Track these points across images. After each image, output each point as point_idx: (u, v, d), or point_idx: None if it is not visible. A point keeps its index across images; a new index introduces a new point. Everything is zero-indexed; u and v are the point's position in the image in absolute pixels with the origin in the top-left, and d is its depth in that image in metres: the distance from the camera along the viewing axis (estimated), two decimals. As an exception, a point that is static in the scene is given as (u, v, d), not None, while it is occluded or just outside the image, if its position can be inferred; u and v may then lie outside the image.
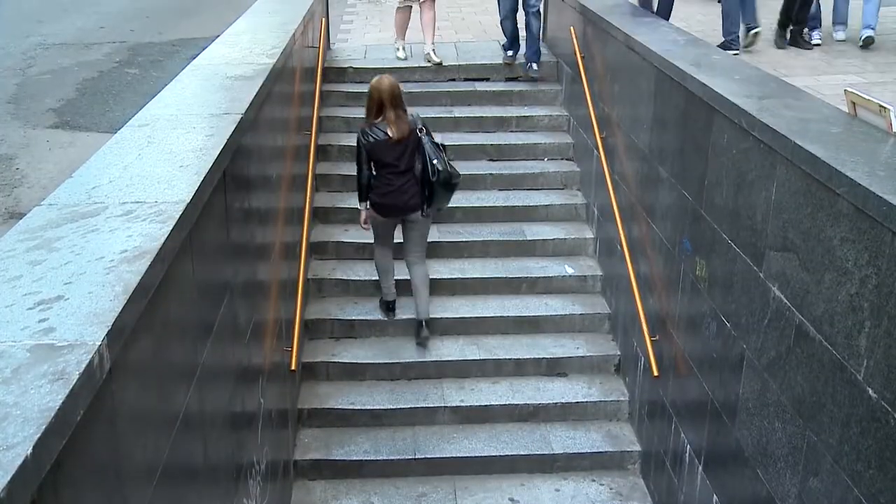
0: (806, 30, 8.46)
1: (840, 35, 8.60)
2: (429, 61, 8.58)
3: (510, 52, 8.62)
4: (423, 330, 6.33)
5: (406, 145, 5.92)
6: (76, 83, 10.98)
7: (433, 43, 8.71)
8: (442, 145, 6.12)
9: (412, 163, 5.97)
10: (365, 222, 6.22)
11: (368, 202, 6.09)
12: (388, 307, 6.56)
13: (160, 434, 2.62)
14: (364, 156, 5.96)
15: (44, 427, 1.63)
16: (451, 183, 6.02)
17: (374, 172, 6.04)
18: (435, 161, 5.91)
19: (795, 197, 3.53)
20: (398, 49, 8.86)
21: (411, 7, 8.71)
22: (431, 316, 6.42)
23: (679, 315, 5.02)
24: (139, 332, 2.32)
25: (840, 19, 8.66)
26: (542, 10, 8.41)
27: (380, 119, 5.89)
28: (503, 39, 8.68)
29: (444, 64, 8.61)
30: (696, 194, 4.68)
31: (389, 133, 5.85)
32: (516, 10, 8.32)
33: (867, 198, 2.96)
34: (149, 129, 3.74)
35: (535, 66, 8.42)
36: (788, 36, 8.38)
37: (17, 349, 1.90)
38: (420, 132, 5.95)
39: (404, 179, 5.97)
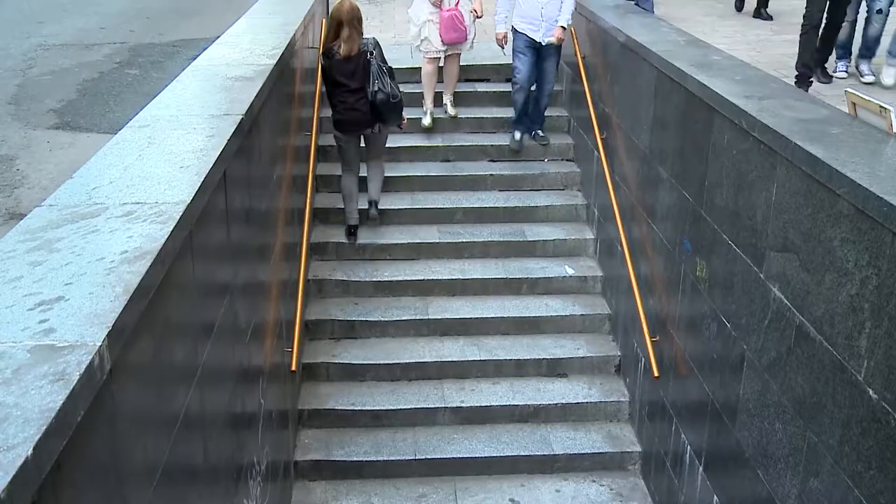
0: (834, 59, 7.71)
1: (867, 75, 7.58)
2: (445, 112, 8.03)
3: (517, 135, 7.83)
4: (372, 209, 7.11)
5: (357, 64, 6.54)
6: (77, 84, 10.98)
7: (452, 95, 8.10)
8: (389, 69, 6.66)
9: (363, 82, 6.56)
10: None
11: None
12: (350, 231, 7.14)
13: (160, 435, 2.62)
14: (324, 75, 6.74)
15: (44, 428, 1.63)
16: (390, 103, 6.57)
17: (335, 90, 6.70)
18: (375, 82, 6.51)
19: (796, 197, 3.53)
20: (425, 113, 7.97)
21: (440, 59, 7.87)
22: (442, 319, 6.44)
23: (679, 316, 5.02)
24: (139, 333, 2.32)
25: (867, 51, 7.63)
26: (552, 87, 7.75)
27: (337, 40, 6.55)
28: (505, 49, 7.74)
29: (458, 116, 8.08)
30: (697, 195, 4.68)
31: (339, 51, 6.51)
32: (529, 81, 7.51)
33: (867, 198, 2.96)
34: (149, 130, 3.73)
35: (540, 131, 7.92)
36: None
37: (17, 350, 1.90)
38: (370, 55, 6.53)
39: (356, 97, 6.59)
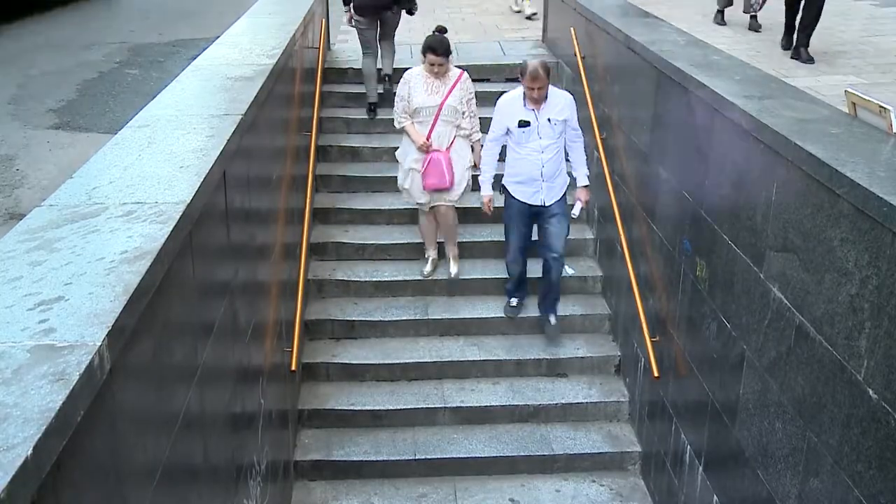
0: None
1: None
2: (448, 271, 6.84)
3: (514, 301, 6.57)
4: (386, 83, 8.13)
5: None
6: (76, 84, 10.99)
7: (456, 248, 6.86)
8: None
9: None
10: (349, 21, 8.13)
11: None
12: (371, 108, 8.12)
13: (160, 434, 2.62)
14: None
15: (44, 428, 1.63)
16: None
17: None
18: None
19: (796, 197, 3.53)
20: (426, 261, 6.89)
21: (426, 205, 6.60)
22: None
23: (679, 316, 5.02)
24: (139, 333, 2.32)
25: None
26: (564, 259, 6.32)
27: None
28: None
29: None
30: (697, 195, 4.68)
31: None
32: (525, 249, 6.29)
33: (867, 198, 2.96)
34: (149, 130, 3.74)
35: (553, 319, 6.43)
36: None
37: (17, 350, 1.90)
38: None
39: None
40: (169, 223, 2.68)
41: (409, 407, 6.07)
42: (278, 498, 5.06)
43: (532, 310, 6.61)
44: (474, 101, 6.41)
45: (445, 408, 6.05)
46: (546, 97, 5.78)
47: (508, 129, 5.89)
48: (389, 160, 7.90)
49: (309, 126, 7.23)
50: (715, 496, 4.46)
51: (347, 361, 6.35)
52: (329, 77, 8.62)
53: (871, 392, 2.97)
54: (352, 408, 6.06)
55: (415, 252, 7.07)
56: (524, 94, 5.77)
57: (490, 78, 8.72)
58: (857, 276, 3.08)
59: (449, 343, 6.50)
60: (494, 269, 6.91)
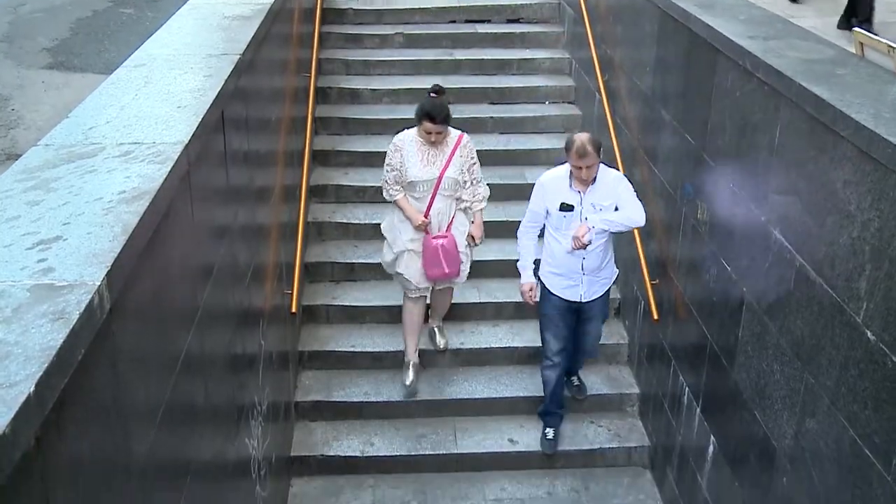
0: None
1: None
2: (434, 344, 6.07)
3: (550, 432, 5.58)
4: None
5: None
6: (69, 22, 10.83)
7: (441, 322, 6.14)
8: None
9: None
10: None
11: None
12: None
13: (161, 375, 2.64)
14: None
15: (45, 365, 1.63)
16: None
17: None
18: None
19: (799, 140, 3.50)
20: (406, 367, 5.80)
21: (426, 296, 5.76)
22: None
23: (680, 259, 5.02)
24: (139, 274, 2.32)
25: None
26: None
27: None
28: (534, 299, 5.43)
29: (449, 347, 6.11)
30: (699, 138, 4.64)
31: None
32: (566, 354, 5.32)
33: (872, 140, 2.93)
34: (145, 70, 3.69)
35: (577, 379, 5.82)
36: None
37: (16, 289, 1.90)
38: None
39: None
40: (167, 163, 2.65)
41: (409, 349, 6.09)
42: (279, 438, 5.12)
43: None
44: (477, 164, 5.46)
45: (446, 350, 6.08)
46: (595, 178, 4.87)
47: (548, 212, 5.00)
48: (389, 102, 7.85)
49: (308, 67, 7.15)
50: (712, 436, 4.51)
51: (347, 304, 6.37)
52: (328, 17, 8.49)
53: (869, 334, 2.98)
54: (352, 349, 6.10)
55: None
56: (570, 172, 4.89)
57: (491, 19, 8.60)
58: (858, 218, 3.07)
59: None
60: (494, 212, 6.88)
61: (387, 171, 5.40)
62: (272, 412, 4.71)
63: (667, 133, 5.23)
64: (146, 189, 2.46)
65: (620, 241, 6.35)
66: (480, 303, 6.36)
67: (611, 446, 5.65)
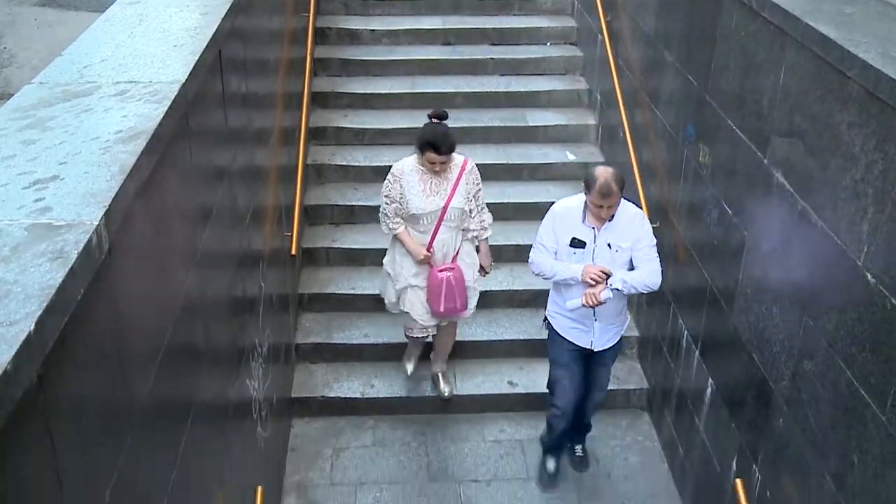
0: None
1: None
2: (437, 391, 5.67)
3: (551, 465, 5.10)
4: None
5: None
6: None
7: (444, 365, 5.70)
8: None
9: None
10: None
11: None
12: None
13: (161, 316, 2.64)
14: None
15: (45, 304, 1.62)
16: None
17: None
18: None
19: (804, 81, 3.46)
20: (408, 360, 5.68)
21: (426, 336, 5.43)
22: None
23: (680, 202, 5.00)
24: (137, 214, 2.30)
25: None
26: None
27: None
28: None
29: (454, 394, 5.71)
30: (702, 80, 4.58)
31: None
32: (577, 403, 4.76)
33: (879, 80, 2.89)
34: (140, 7, 3.62)
35: (580, 448, 5.21)
36: None
37: (14, 228, 1.88)
38: None
39: None
40: (164, 103, 2.61)
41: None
42: (280, 379, 5.16)
43: (529, 195, 6.56)
44: (482, 192, 5.06)
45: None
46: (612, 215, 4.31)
47: (558, 244, 4.42)
48: (389, 43, 7.75)
49: (306, 6, 7.03)
50: (710, 378, 4.54)
51: (347, 246, 6.37)
52: (326, -45, 8.33)
53: (869, 276, 2.98)
54: (352, 292, 6.11)
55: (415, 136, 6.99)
56: (585, 205, 4.33)
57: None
58: (862, 160, 3.04)
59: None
60: (495, 154, 6.84)
61: (385, 203, 4.97)
62: (273, 354, 4.74)
63: (669, 75, 5.16)
64: (143, 129, 2.42)
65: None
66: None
67: (609, 388, 5.68)
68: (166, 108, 2.58)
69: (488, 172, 6.87)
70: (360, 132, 7.02)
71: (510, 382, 5.72)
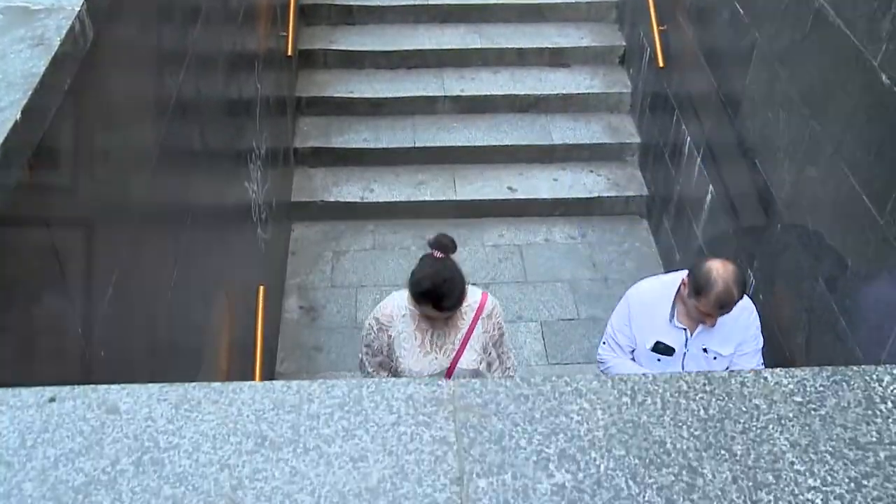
0: None
1: None
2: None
3: None
4: None
5: None
6: None
7: None
8: None
9: None
10: None
11: None
12: None
13: (155, 116, 2.57)
14: None
15: (30, 93, 1.56)
16: None
17: None
18: None
19: None
20: None
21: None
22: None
23: (690, 2, 4.79)
24: (122, 7, 2.19)
25: None
26: None
27: None
28: None
29: None
30: None
31: None
32: None
33: None
34: None
35: None
36: None
37: (-11, 13, 1.79)
38: None
39: None
40: None
41: (408, 95, 6.00)
42: (279, 183, 5.15)
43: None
44: (506, 335, 3.45)
45: (445, 96, 5.97)
46: None
47: (636, 344, 3.33)
48: None
49: None
50: (710, 186, 4.53)
51: (345, 48, 6.18)
52: None
53: (884, 77, 2.88)
54: (350, 95, 5.99)
55: None
56: (676, 299, 3.21)
57: None
58: (889, -47, 2.86)
59: (449, 30, 6.29)
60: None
61: (364, 352, 3.35)
62: (271, 157, 4.70)
63: None
64: None
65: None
66: (481, 48, 6.17)
67: (609, 195, 5.70)
68: None
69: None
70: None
71: (510, 188, 5.71)
